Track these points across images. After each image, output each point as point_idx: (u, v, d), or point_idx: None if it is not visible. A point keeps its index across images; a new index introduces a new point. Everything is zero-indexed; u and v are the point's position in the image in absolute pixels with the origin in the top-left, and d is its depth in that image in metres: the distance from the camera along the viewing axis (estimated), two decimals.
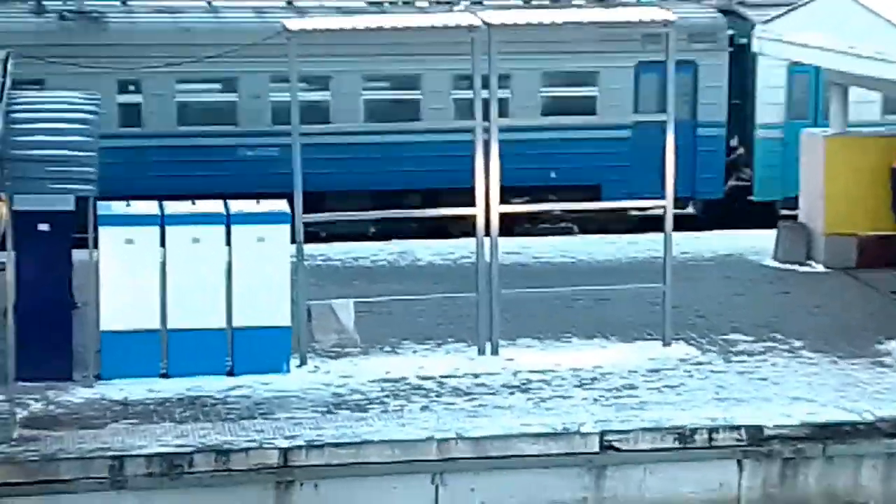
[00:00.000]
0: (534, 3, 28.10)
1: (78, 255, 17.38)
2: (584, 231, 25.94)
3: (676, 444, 16.28)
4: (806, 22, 21.65)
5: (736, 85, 27.51)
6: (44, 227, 17.07)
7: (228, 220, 17.50)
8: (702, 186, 27.02)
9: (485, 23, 18.30)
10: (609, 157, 26.43)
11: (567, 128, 24.78)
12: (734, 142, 27.85)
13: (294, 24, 18.30)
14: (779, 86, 27.17)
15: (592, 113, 26.18)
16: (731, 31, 27.60)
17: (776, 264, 23.03)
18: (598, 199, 25.73)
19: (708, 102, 27.00)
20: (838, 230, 22.63)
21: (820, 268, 22.70)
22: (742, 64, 27.35)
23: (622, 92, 26.58)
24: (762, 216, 25.72)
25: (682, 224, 23.49)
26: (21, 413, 16.35)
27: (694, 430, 16.37)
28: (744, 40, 26.25)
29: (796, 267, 22.82)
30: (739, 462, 16.39)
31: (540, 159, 23.75)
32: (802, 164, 23.50)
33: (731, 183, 27.86)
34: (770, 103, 27.17)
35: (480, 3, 27.32)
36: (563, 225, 26.27)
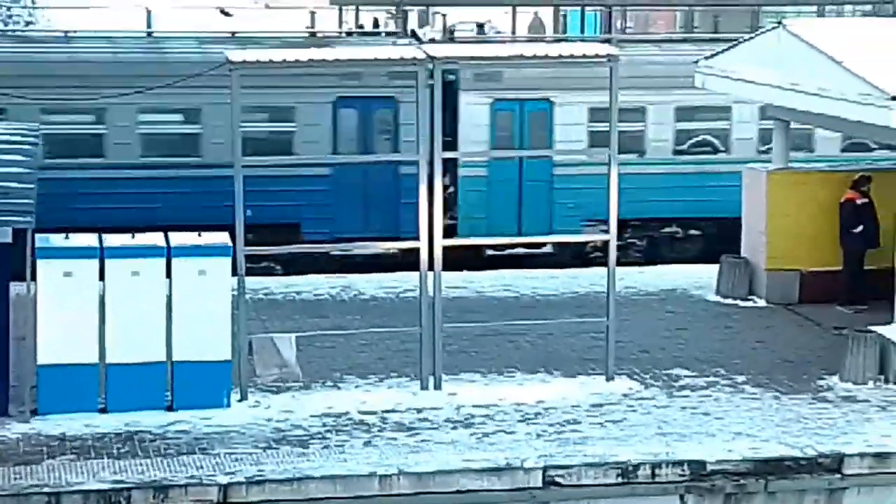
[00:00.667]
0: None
1: (15, 287, 17.14)
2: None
3: (619, 480, 16.23)
4: (748, 58, 21.79)
5: (447, 122, 26.77)
6: None
7: (169, 253, 17.33)
8: (407, 227, 23.36)
9: (429, 56, 18.28)
10: (309, 196, 25.81)
11: (266, 165, 22.87)
12: (446, 180, 26.60)
13: (236, 55, 18.18)
14: (482, 123, 26.49)
15: (290, 150, 25.42)
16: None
17: (719, 299, 23.09)
18: (298, 237, 25.18)
19: (410, 140, 25.64)
20: (780, 265, 22.72)
21: (762, 303, 22.77)
22: (449, 101, 26.17)
23: (321, 128, 25.82)
24: (468, 257, 24.56)
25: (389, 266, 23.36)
26: None
27: (637, 466, 16.33)
28: (451, 77, 25.73)
29: (739, 302, 22.89)
30: (682, 497, 16.37)
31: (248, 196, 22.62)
32: (744, 200, 23.59)
33: (447, 222, 26.91)
34: (473, 141, 26.44)
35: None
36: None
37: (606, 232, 18.80)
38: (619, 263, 19.12)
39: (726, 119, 27.46)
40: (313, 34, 28.72)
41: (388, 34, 29.31)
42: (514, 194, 26.53)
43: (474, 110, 26.42)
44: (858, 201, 22.08)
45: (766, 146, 25.63)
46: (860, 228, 21.90)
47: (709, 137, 27.43)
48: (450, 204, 26.54)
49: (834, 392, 18.66)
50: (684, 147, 27.43)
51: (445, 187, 26.83)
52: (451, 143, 25.99)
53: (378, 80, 25.47)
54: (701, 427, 17.38)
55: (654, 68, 26.63)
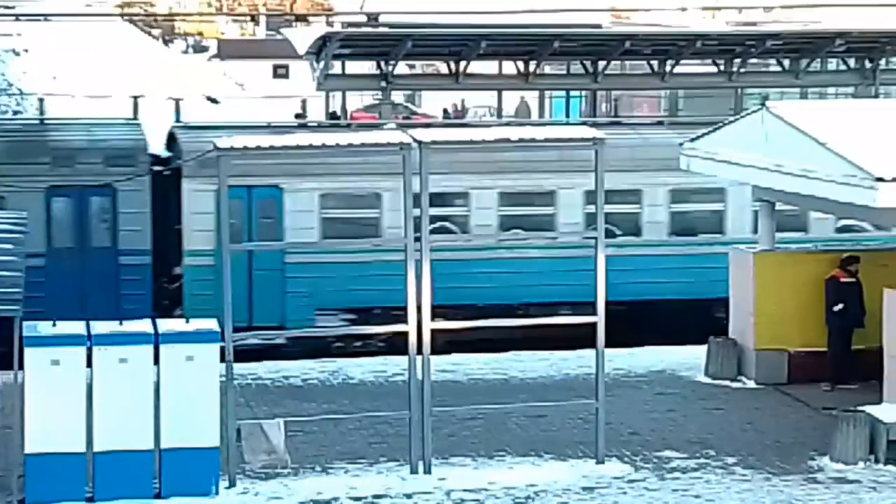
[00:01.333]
0: None
1: (2, 376, 17.06)
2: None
3: None
4: (732, 140, 21.92)
5: (173, 210, 26.27)
6: None
7: (157, 340, 17.29)
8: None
9: (416, 140, 18.37)
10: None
11: None
12: (179, 269, 26.56)
13: (223, 142, 18.28)
14: (208, 211, 25.59)
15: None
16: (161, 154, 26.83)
17: (708, 380, 23.06)
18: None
19: (130, 229, 25.68)
20: (769, 346, 22.72)
21: (751, 383, 22.74)
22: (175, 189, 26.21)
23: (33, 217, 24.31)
24: None
25: None
26: None
27: None
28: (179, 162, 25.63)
29: (728, 383, 22.86)
30: None
31: None
32: (731, 281, 23.64)
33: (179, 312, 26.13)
34: (199, 230, 25.87)
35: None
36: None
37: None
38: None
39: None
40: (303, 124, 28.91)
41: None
42: (245, 283, 25.86)
43: (200, 199, 25.91)
44: (842, 279, 22.14)
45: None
46: (840, 306, 21.94)
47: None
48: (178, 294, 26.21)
49: (825, 473, 18.58)
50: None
51: (178, 276, 26.44)
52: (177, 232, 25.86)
53: (94, 168, 25.46)
54: None
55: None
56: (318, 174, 25.91)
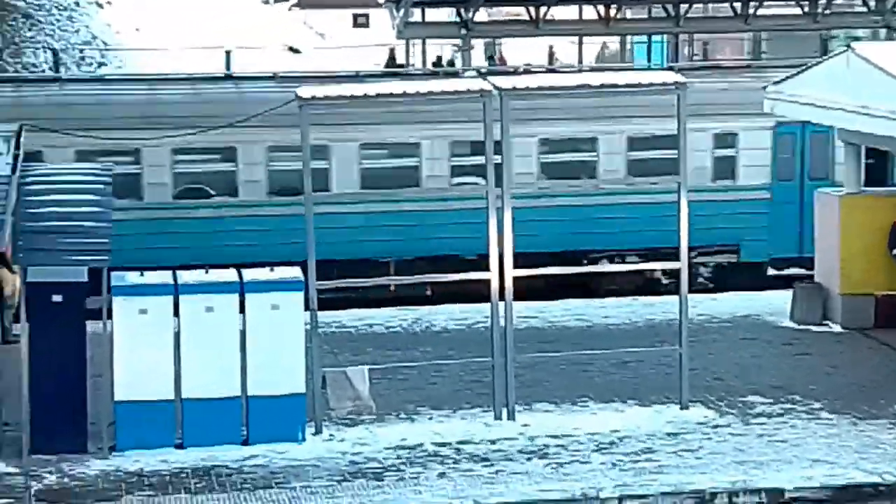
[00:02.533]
0: None
1: (92, 325, 17.34)
2: None
3: None
4: (817, 82, 21.67)
5: None
6: (57, 298, 17.06)
7: (242, 289, 17.46)
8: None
9: (496, 87, 18.33)
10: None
11: None
12: None
13: (306, 91, 18.34)
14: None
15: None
16: None
17: (793, 325, 22.92)
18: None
19: None
20: (855, 290, 22.52)
21: (837, 328, 22.57)
22: None
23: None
24: None
25: None
26: (36, 486, 16.26)
27: (714, 494, 16.21)
28: None
29: (813, 328, 22.71)
30: None
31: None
32: (817, 224, 23.43)
33: None
34: None
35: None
36: None
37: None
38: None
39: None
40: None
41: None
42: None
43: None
44: None
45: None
46: None
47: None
48: None
49: None
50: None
51: None
52: None
53: None
54: (778, 454, 17.23)
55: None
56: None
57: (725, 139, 26.69)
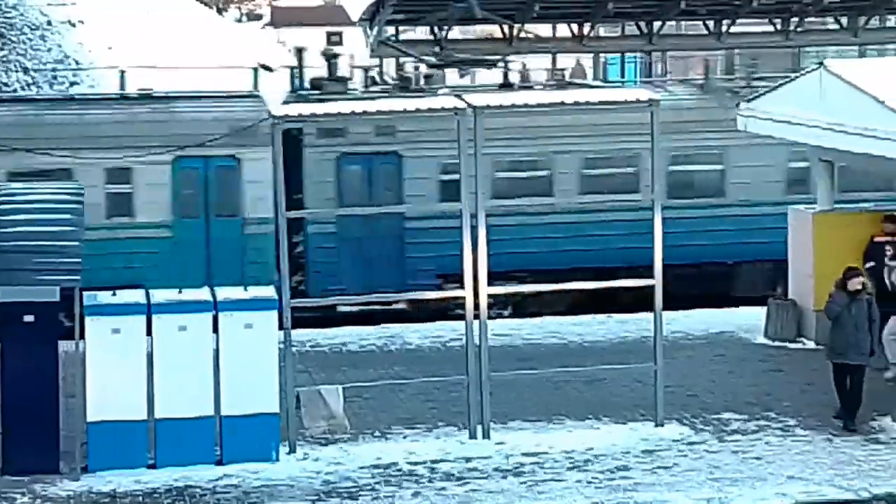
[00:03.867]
0: None
1: (64, 345, 17.24)
2: None
3: None
4: (790, 99, 21.73)
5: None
6: (29, 318, 16.96)
7: (215, 308, 17.40)
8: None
9: (470, 105, 18.33)
10: None
11: None
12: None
13: (279, 109, 18.33)
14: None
15: None
16: None
17: (767, 342, 22.95)
18: None
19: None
20: None
21: (811, 345, 22.60)
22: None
23: None
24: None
25: None
26: None
27: None
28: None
29: (787, 344, 22.74)
30: None
31: None
32: (791, 241, 23.48)
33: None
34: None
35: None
36: None
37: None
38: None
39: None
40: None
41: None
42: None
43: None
44: (876, 239, 21.93)
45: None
46: (870, 265, 21.69)
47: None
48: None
49: (886, 433, 18.46)
50: None
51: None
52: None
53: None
54: (753, 471, 17.23)
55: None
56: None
57: (119, 174, 25.54)
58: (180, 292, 17.65)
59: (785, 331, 22.92)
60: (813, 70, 21.45)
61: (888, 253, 21.88)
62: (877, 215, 22.93)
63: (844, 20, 32.74)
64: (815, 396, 20.08)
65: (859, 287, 18.52)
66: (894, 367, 20.13)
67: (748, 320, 23.85)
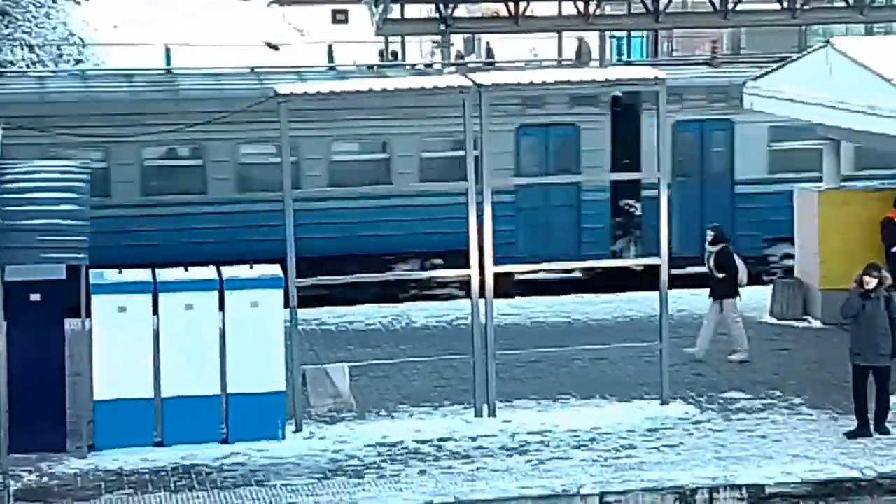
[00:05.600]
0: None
1: (70, 323, 17.26)
2: None
3: None
4: (796, 77, 21.68)
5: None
6: (35, 297, 16.98)
7: (221, 286, 17.40)
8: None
9: (475, 83, 18.30)
10: None
11: None
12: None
13: (285, 88, 18.28)
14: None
15: None
16: None
17: (773, 320, 22.94)
18: None
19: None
20: (834, 285, 22.48)
21: (817, 323, 22.60)
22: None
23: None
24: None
25: None
26: (14, 485, 16.18)
27: (694, 490, 16.21)
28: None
29: (793, 323, 22.74)
30: None
31: None
32: (796, 220, 23.45)
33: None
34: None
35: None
36: None
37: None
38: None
39: None
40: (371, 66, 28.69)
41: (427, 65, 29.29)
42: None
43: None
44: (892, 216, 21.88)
45: None
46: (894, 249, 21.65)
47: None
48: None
49: (893, 412, 18.45)
50: None
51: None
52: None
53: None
54: (758, 450, 17.25)
55: None
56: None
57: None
58: (186, 270, 17.67)
59: (790, 310, 22.91)
60: (819, 48, 21.39)
61: None
62: (886, 193, 22.89)
63: None
64: (821, 375, 20.08)
65: (873, 285, 17.59)
66: None
67: (754, 299, 23.81)
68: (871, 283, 17.65)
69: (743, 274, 20.89)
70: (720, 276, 20.76)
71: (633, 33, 39.23)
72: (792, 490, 16.32)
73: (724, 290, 20.79)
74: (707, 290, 21.21)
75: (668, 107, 18.76)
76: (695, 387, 19.54)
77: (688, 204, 26.62)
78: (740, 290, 20.90)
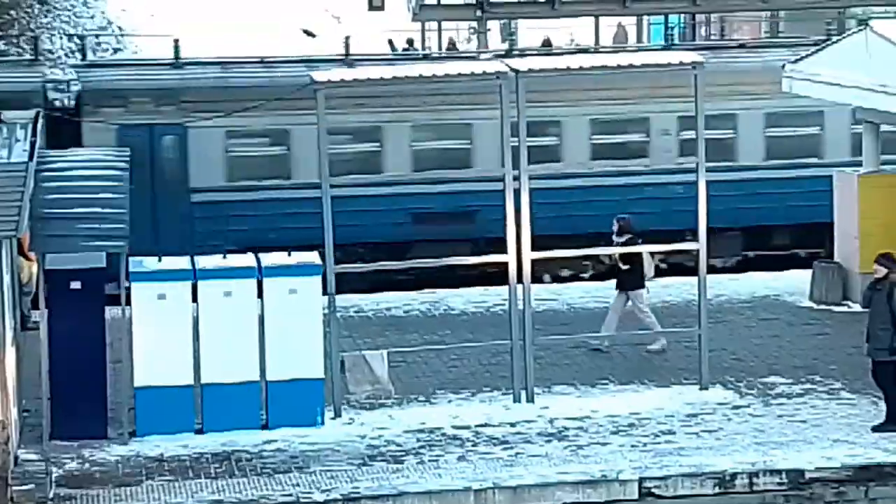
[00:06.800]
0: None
1: (111, 311, 17.36)
2: None
3: (716, 490, 16.09)
4: (835, 60, 21.56)
5: None
6: (76, 284, 17.08)
7: (260, 273, 17.47)
8: None
9: (512, 69, 18.27)
10: None
11: None
12: None
13: (321, 75, 18.32)
14: None
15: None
16: None
17: (812, 305, 22.85)
18: None
19: None
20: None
21: (857, 307, 22.44)
22: None
23: None
24: None
25: None
26: (56, 471, 16.30)
27: (734, 475, 16.18)
28: None
29: (833, 307, 22.64)
30: None
31: None
32: (836, 203, 23.34)
33: None
34: None
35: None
36: None
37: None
38: None
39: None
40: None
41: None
42: None
43: None
44: None
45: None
46: None
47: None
48: None
49: None
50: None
51: None
52: None
53: None
54: (798, 435, 17.19)
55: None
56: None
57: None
58: (224, 258, 17.74)
59: (830, 294, 22.81)
60: (858, 31, 21.26)
61: None
62: None
63: None
64: (861, 360, 19.93)
65: (880, 274, 17.04)
66: None
67: (793, 284, 23.76)
68: (879, 271, 17.23)
69: (649, 266, 20.52)
70: (625, 267, 20.32)
71: (670, 18, 39.04)
72: (832, 475, 16.26)
73: (631, 281, 20.39)
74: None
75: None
76: (734, 372, 19.49)
77: None
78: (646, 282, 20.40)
